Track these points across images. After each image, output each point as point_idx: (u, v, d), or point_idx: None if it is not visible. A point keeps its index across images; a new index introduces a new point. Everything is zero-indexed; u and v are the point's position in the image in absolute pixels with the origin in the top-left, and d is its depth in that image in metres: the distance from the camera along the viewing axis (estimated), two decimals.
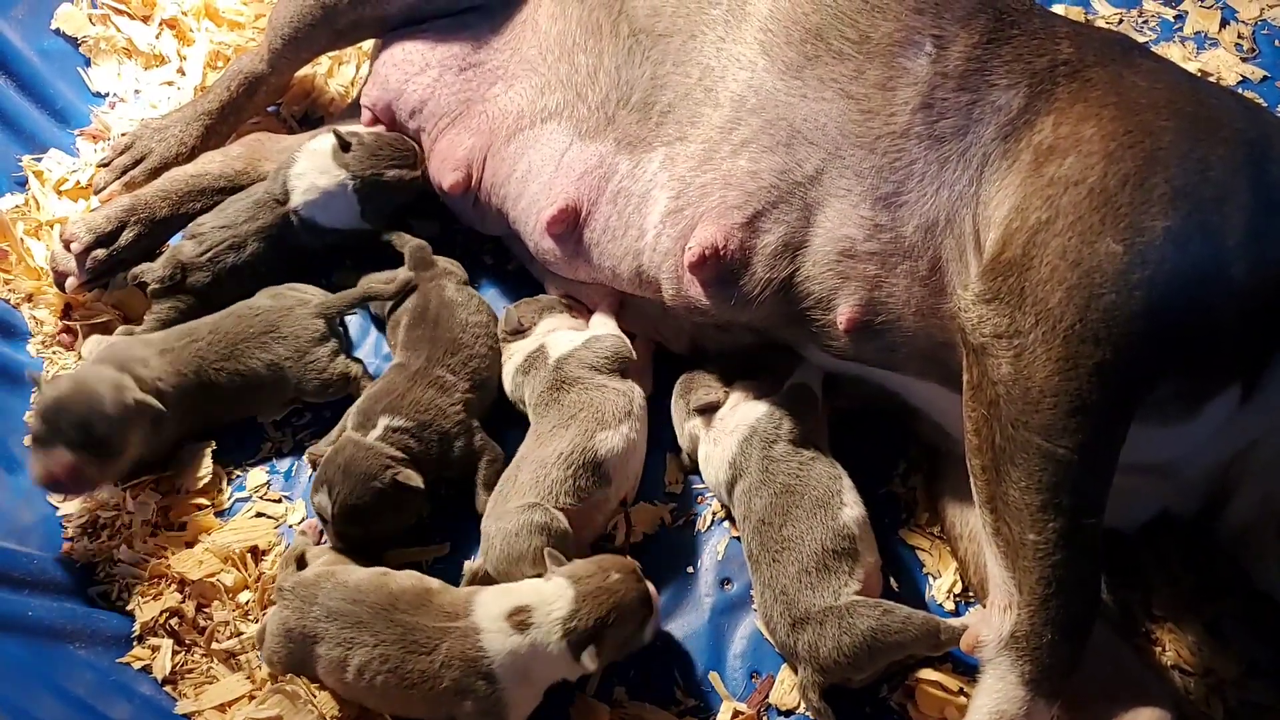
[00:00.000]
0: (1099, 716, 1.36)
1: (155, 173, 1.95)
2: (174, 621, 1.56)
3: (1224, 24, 2.30)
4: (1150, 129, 1.33)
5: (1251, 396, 1.37)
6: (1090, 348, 1.24)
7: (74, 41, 2.20)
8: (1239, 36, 2.28)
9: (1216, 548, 1.54)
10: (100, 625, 1.55)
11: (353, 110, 2.07)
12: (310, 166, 1.84)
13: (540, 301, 1.79)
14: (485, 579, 1.51)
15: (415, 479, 1.53)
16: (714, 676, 1.54)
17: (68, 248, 1.79)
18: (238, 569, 1.60)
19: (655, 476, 1.70)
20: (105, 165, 1.99)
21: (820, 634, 1.40)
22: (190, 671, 1.53)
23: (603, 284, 1.73)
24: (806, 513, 1.48)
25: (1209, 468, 1.46)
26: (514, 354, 1.72)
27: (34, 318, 1.85)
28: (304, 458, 1.69)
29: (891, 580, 1.58)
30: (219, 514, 1.67)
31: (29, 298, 1.87)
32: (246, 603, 1.58)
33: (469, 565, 1.55)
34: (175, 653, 1.54)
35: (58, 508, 1.67)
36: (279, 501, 1.70)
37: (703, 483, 1.69)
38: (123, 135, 2.03)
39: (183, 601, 1.57)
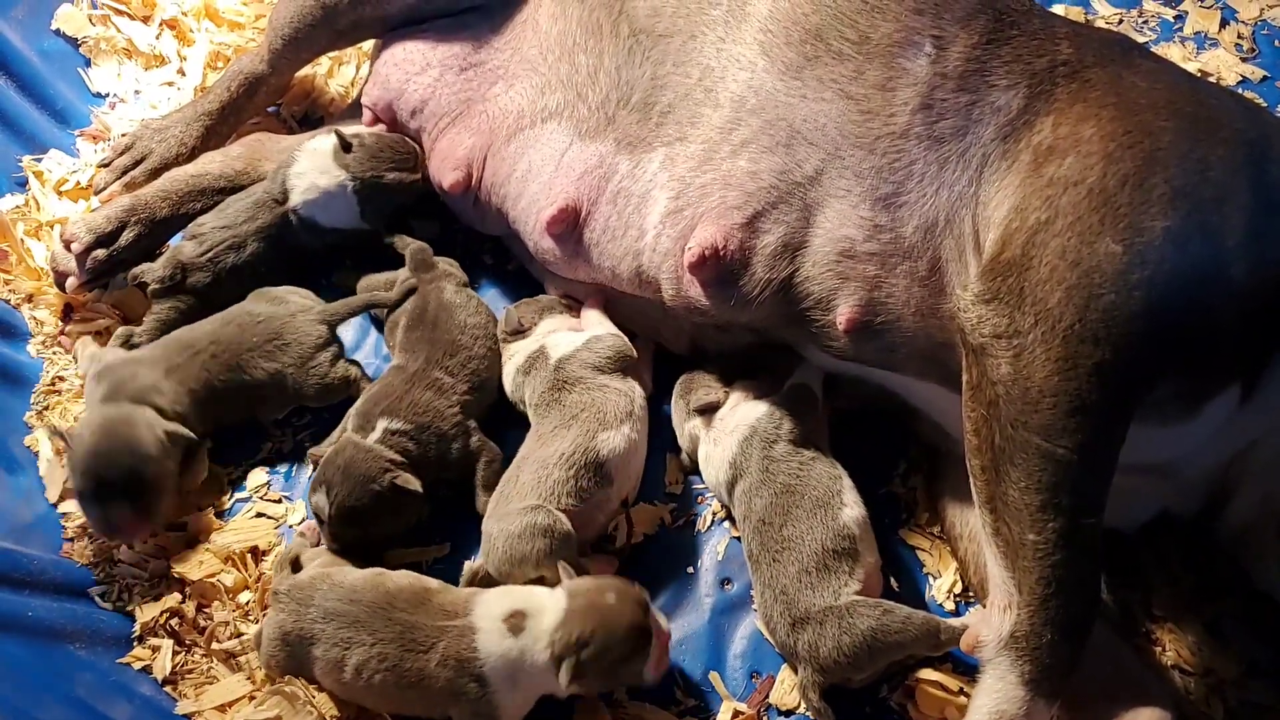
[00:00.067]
0: (1099, 716, 1.36)
1: (155, 173, 1.95)
2: (174, 622, 1.56)
3: (1224, 24, 2.30)
4: (1150, 129, 1.33)
5: (1251, 397, 1.37)
6: (1089, 348, 1.24)
7: (74, 42, 2.20)
8: (1239, 37, 2.28)
9: (1216, 548, 1.54)
10: (100, 625, 1.55)
11: (353, 110, 2.08)
12: (310, 166, 1.84)
13: (540, 302, 1.79)
14: (486, 579, 1.51)
15: (414, 483, 1.53)
16: (714, 676, 1.54)
17: (68, 248, 1.79)
18: (238, 569, 1.60)
19: (655, 476, 1.70)
20: (105, 165, 1.99)
21: (820, 634, 1.40)
22: (190, 672, 1.53)
23: (602, 284, 1.73)
24: (807, 513, 1.48)
25: (1209, 468, 1.46)
26: (514, 354, 1.72)
27: (34, 318, 1.85)
28: (306, 459, 1.69)
29: (892, 580, 1.58)
30: (219, 514, 1.67)
31: (29, 298, 1.87)
32: (247, 603, 1.58)
33: (469, 566, 1.55)
34: (175, 653, 1.54)
35: (57, 508, 1.67)
36: (279, 502, 1.70)
37: (703, 483, 1.69)
38: (123, 136, 2.03)
39: (183, 602, 1.57)
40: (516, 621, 1.37)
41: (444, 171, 1.82)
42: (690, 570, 1.63)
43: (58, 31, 2.20)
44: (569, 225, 1.67)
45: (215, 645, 1.53)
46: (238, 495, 1.70)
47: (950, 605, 1.59)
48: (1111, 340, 1.23)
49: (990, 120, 1.44)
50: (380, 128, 1.92)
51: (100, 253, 1.79)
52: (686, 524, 1.67)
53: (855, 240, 1.48)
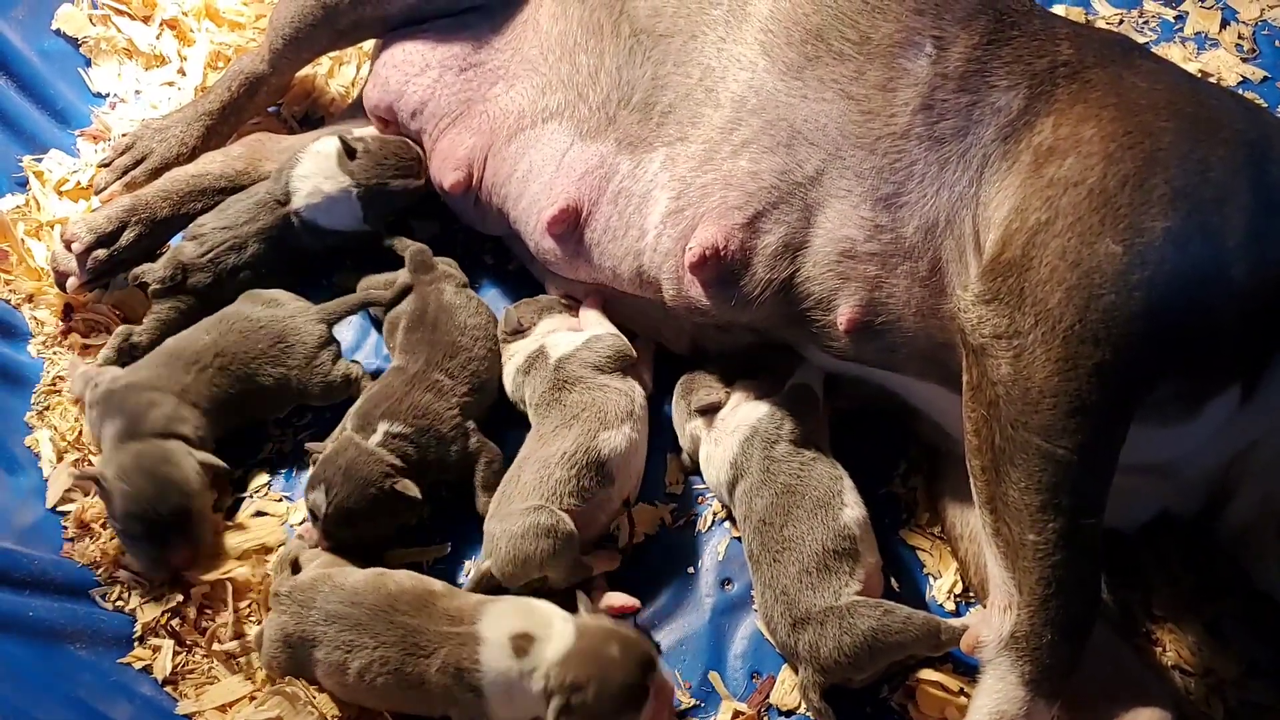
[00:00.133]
0: (1099, 716, 1.36)
1: (156, 173, 1.94)
2: (175, 622, 1.56)
3: (1224, 24, 2.30)
4: (1150, 130, 1.33)
5: (1251, 397, 1.37)
6: (1090, 348, 1.24)
7: (74, 42, 2.20)
8: (1239, 37, 2.28)
9: (1216, 548, 1.54)
10: (101, 625, 1.55)
11: (353, 111, 2.08)
12: (314, 170, 1.83)
13: (540, 302, 1.79)
14: (491, 580, 1.51)
15: (414, 490, 1.53)
16: (714, 676, 1.54)
17: (69, 248, 1.79)
18: (239, 569, 1.60)
19: (655, 477, 1.70)
20: (106, 165, 1.99)
21: (821, 634, 1.40)
22: (191, 672, 1.53)
23: (603, 284, 1.73)
24: (807, 513, 1.49)
25: (1209, 468, 1.46)
26: (514, 354, 1.72)
27: (34, 318, 1.85)
28: (307, 456, 1.69)
29: (892, 580, 1.58)
30: (226, 515, 1.67)
31: (30, 298, 1.87)
32: (248, 603, 1.58)
33: (477, 568, 1.53)
34: (176, 653, 1.54)
35: (57, 508, 1.67)
36: (280, 501, 1.70)
37: (703, 483, 1.69)
38: (123, 136, 2.03)
39: (184, 602, 1.57)
40: (523, 644, 1.35)
41: (445, 172, 1.82)
42: (691, 570, 1.63)
43: (58, 31, 2.19)
44: (570, 225, 1.67)
45: (216, 646, 1.53)
46: (238, 495, 1.70)
47: (950, 605, 1.59)
48: (1112, 341, 1.23)
49: (991, 121, 1.44)
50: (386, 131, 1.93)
51: (101, 253, 1.79)
52: (687, 524, 1.67)
53: (856, 240, 1.48)
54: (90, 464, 1.69)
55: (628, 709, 1.34)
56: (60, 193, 2.01)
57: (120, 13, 2.23)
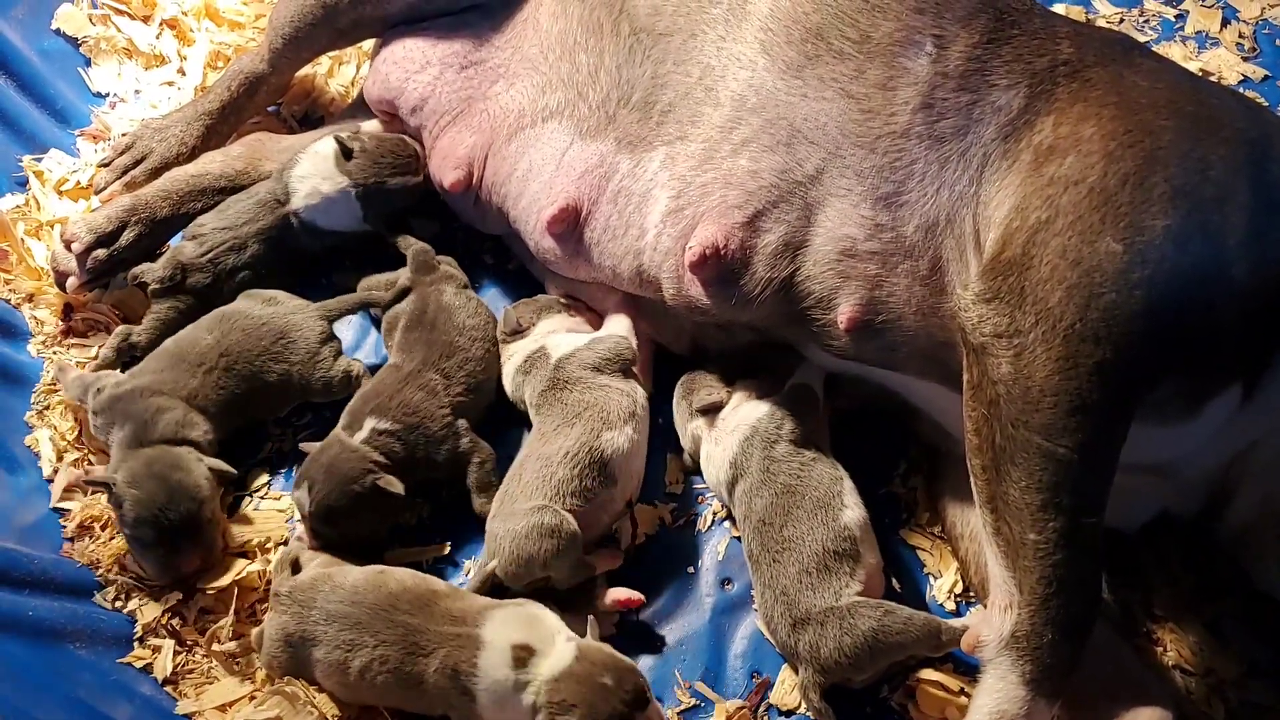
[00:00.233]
0: (1099, 716, 1.36)
1: (156, 173, 1.94)
2: (175, 622, 1.56)
3: (1225, 23, 2.30)
4: (1150, 128, 1.33)
5: (1252, 397, 1.37)
6: (1090, 347, 1.24)
7: (74, 41, 2.20)
8: (1240, 36, 2.28)
9: (1216, 548, 1.54)
10: (101, 625, 1.55)
11: (353, 110, 2.07)
12: (313, 170, 1.83)
13: (539, 302, 1.79)
14: (494, 580, 1.50)
15: (396, 485, 1.52)
16: (714, 676, 1.54)
17: (68, 248, 1.79)
18: (238, 568, 1.60)
19: (655, 476, 1.69)
20: (106, 165, 1.99)
21: (821, 635, 1.40)
22: (191, 672, 1.53)
23: (603, 283, 1.73)
24: (807, 514, 1.48)
25: (1209, 468, 1.46)
26: (513, 354, 1.71)
27: (34, 318, 1.85)
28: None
29: (893, 580, 1.58)
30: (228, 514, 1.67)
31: (29, 298, 1.87)
32: (248, 603, 1.58)
33: (480, 567, 1.52)
34: (176, 653, 1.54)
35: (57, 508, 1.67)
36: (280, 500, 1.69)
37: (703, 483, 1.69)
38: (123, 135, 2.03)
39: (184, 602, 1.57)
40: (523, 655, 1.34)
41: (445, 170, 1.82)
42: (691, 570, 1.63)
43: (58, 31, 2.19)
44: (570, 224, 1.67)
45: (216, 646, 1.53)
46: (238, 494, 1.69)
47: (951, 605, 1.59)
48: (1112, 339, 1.23)
49: (991, 120, 1.44)
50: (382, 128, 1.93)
51: (101, 252, 1.79)
52: (687, 524, 1.67)
53: (856, 239, 1.48)
54: (90, 464, 1.69)
55: None
56: (60, 192, 2.01)
57: (120, 12, 2.23)
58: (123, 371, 1.70)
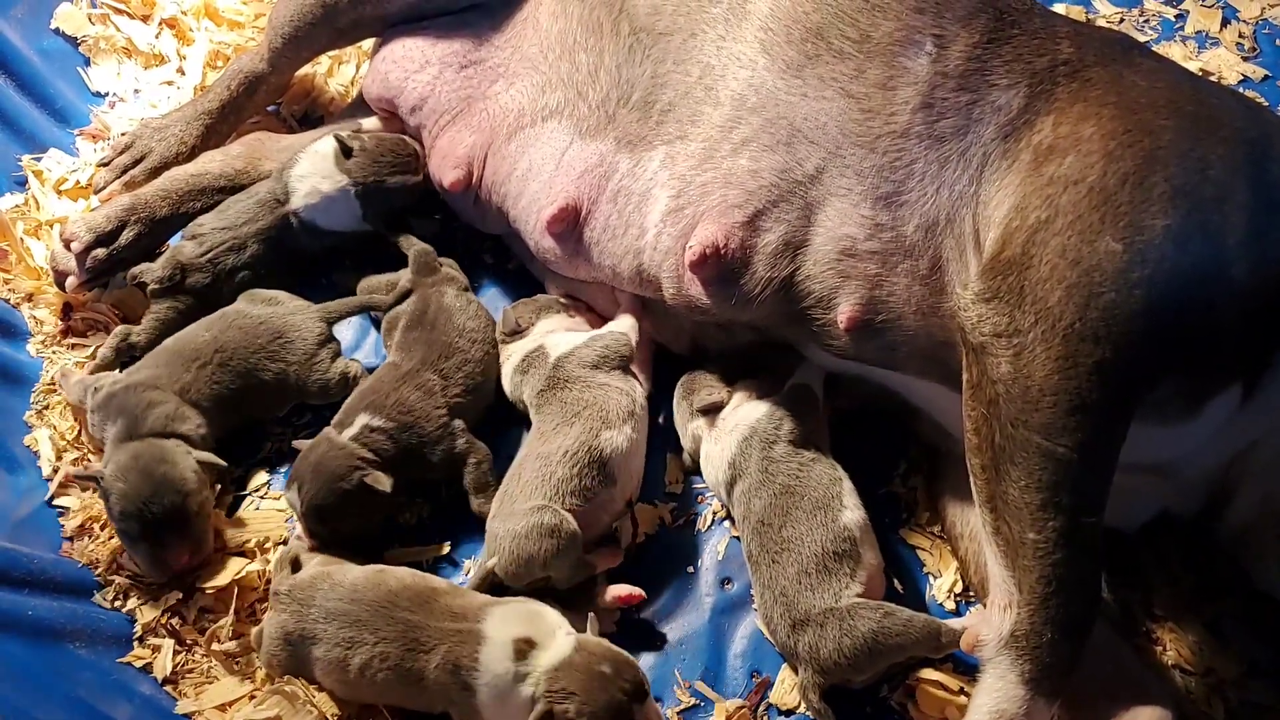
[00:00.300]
0: (1099, 716, 1.36)
1: (155, 172, 1.94)
2: (175, 622, 1.56)
3: (1225, 23, 2.30)
4: (1150, 128, 1.33)
5: (1252, 396, 1.37)
6: (1090, 346, 1.24)
7: (74, 41, 2.20)
8: (1240, 36, 2.28)
9: (1216, 548, 1.54)
10: (100, 625, 1.55)
11: (353, 110, 2.07)
12: (313, 170, 1.83)
13: (538, 302, 1.79)
14: (494, 579, 1.50)
15: (384, 482, 1.52)
16: (714, 676, 1.54)
17: (68, 247, 1.79)
18: (238, 568, 1.60)
19: (655, 476, 1.69)
20: (105, 165, 1.99)
21: (821, 635, 1.40)
22: (191, 671, 1.53)
23: (603, 283, 1.73)
24: (806, 514, 1.48)
25: (1209, 468, 1.46)
26: (512, 354, 1.71)
27: (34, 317, 1.85)
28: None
29: (893, 580, 1.57)
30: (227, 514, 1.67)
31: (29, 297, 1.87)
32: (248, 603, 1.58)
33: (480, 566, 1.52)
34: (176, 653, 1.54)
35: (56, 506, 1.67)
36: (279, 500, 1.69)
37: (703, 482, 1.69)
38: (123, 135, 2.03)
39: (183, 601, 1.57)
40: (524, 648, 1.35)
41: (444, 170, 1.82)
42: (690, 570, 1.63)
43: (57, 30, 2.19)
44: (569, 224, 1.67)
45: (215, 645, 1.53)
46: (238, 494, 1.70)
47: (951, 605, 1.59)
48: (1112, 339, 1.23)
49: (991, 119, 1.44)
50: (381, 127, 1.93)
51: (100, 252, 1.79)
52: (686, 524, 1.67)
53: (856, 239, 1.48)
54: (89, 463, 1.69)
55: None
56: (59, 192, 2.01)
57: (119, 12, 2.23)
58: (120, 371, 1.70)
